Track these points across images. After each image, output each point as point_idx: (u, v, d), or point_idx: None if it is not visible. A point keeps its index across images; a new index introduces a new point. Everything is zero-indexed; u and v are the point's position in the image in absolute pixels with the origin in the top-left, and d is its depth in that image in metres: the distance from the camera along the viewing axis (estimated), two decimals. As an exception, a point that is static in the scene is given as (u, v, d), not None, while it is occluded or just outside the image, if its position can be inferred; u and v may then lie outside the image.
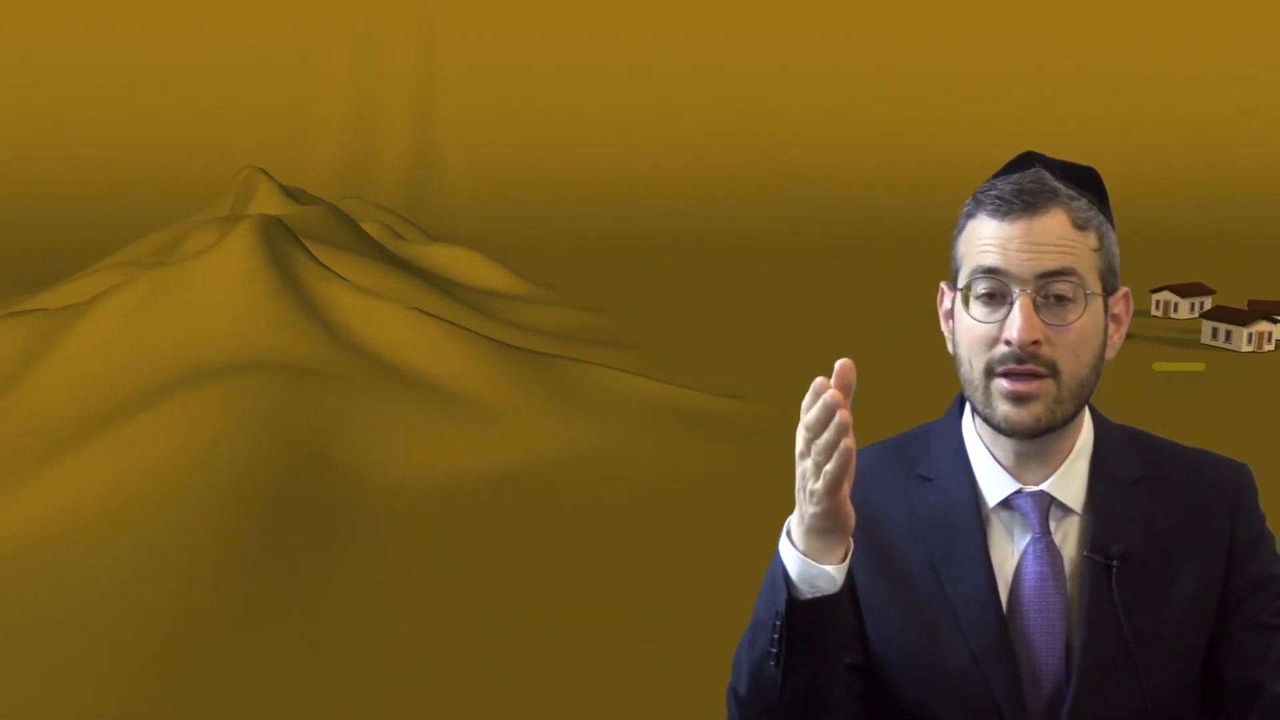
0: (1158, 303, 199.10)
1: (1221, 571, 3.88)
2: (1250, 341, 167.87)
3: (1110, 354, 3.78)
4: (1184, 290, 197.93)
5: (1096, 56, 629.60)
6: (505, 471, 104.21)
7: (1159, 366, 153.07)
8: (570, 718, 65.10)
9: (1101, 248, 3.69)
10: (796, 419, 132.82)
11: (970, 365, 3.69)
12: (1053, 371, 3.58)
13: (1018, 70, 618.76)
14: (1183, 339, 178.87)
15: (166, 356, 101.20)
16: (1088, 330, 3.63)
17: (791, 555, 3.51)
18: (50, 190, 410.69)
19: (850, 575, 3.98)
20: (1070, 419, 3.68)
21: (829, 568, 3.49)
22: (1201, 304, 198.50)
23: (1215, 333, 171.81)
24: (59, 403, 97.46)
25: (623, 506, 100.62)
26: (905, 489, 3.99)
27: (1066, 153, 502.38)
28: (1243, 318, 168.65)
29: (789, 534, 3.53)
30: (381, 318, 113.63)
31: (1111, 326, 3.79)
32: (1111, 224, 3.76)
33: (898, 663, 3.94)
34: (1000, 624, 3.78)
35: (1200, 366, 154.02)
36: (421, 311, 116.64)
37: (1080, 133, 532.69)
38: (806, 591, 3.51)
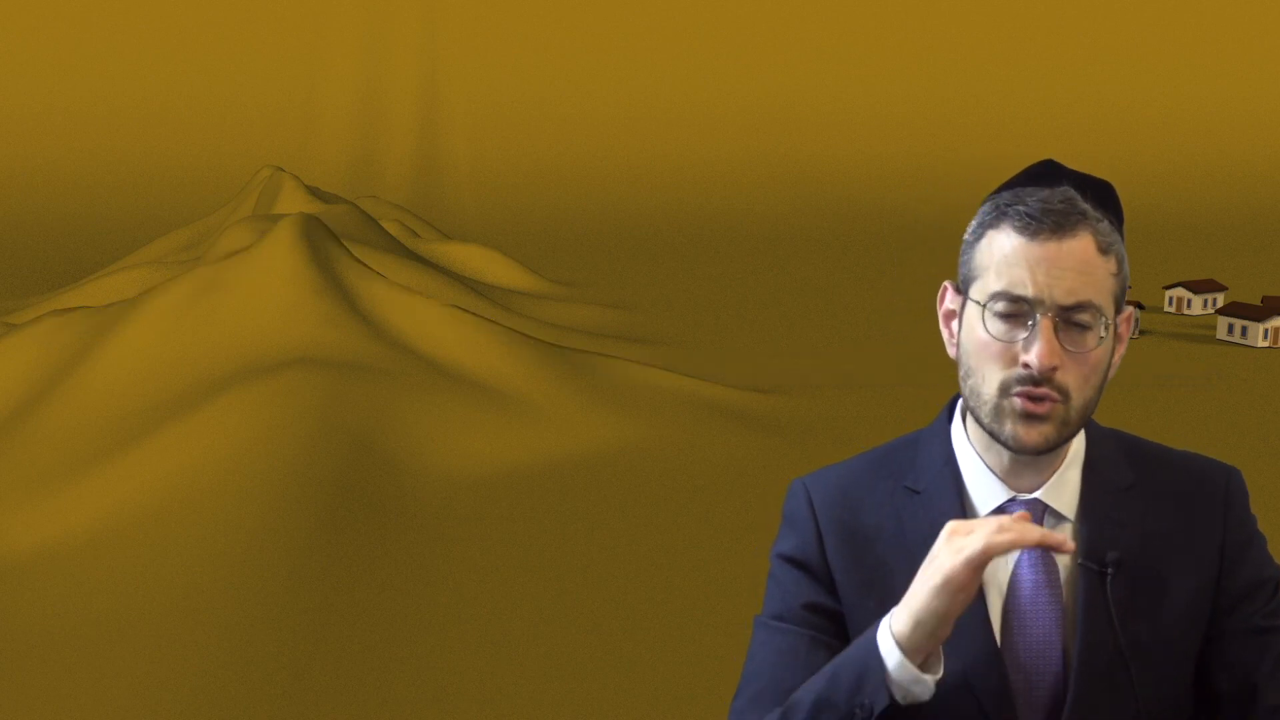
0: (1171, 299, 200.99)
1: (1214, 576, 3.92)
2: (1266, 337, 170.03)
3: (1112, 373, 3.83)
4: (1197, 286, 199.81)
5: (1105, 53, 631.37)
6: (546, 465, 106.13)
7: None
8: (607, 701, 67.04)
9: (1119, 272, 3.73)
10: (823, 412, 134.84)
11: (984, 379, 3.69)
12: (1064, 397, 3.62)
13: (1028, 67, 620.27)
14: (1197, 335, 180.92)
15: (217, 353, 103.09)
16: (1100, 359, 3.67)
17: (895, 658, 3.47)
18: (58, 189, 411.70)
19: (839, 602, 3.98)
20: (1072, 438, 3.75)
21: (929, 678, 3.48)
22: (1214, 300, 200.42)
23: (1231, 328, 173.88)
24: (113, 398, 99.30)
25: (660, 499, 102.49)
26: (893, 503, 3.98)
27: (1075, 149, 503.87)
28: (1258, 313, 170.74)
29: (891, 633, 3.48)
30: (421, 314, 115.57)
31: (1115, 345, 3.84)
32: (1123, 237, 3.85)
33: None
34: (989, 639, 3.79)
35: None
36: (459, 308, 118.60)
37: (1089, 129, 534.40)
38: (900, 696, 3.49)
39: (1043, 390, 3.57)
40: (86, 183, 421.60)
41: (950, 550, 3.35)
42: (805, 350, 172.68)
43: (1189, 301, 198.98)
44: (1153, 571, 3.83)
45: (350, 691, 68.63)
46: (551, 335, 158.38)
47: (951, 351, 3.85)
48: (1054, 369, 3.56)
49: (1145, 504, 3.89)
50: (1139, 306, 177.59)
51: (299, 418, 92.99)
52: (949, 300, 3.92)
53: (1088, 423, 4.00)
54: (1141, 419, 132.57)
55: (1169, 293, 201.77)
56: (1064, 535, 3.43)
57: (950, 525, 3.40)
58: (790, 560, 4.00)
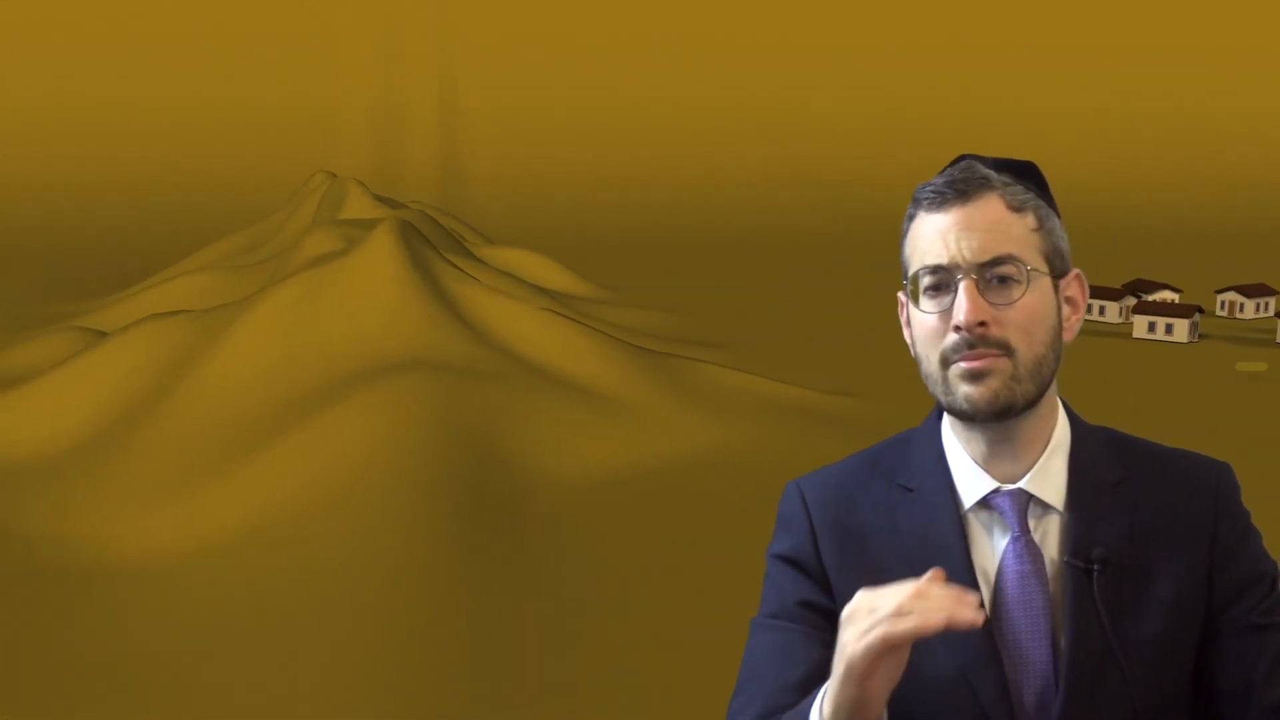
0: (1223, 303, 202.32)
1: (1205, 571, 3.84)
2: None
3: (1068, 336, 3.78)
4: (1249, 291, 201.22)
5: (1141, 54, 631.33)
6: (649, 466, 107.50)
7: (1242, 367, 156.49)
8: (709, 696, 68.40)
9: (1042, 228, 3.70)
10: (904, 414, 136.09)
11: (927, 359, 3.68)
12: (1005, 350, 3.58)
13: (1074, 69, 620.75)
14: (1255, 339, 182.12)
15: (328, 357, 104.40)
16: (1036, 309, 3.62)
17: None
18: (92, 194, 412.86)
19: (834, 601, 3.92)
20: (1032, 401, 3.66)
21: None
22: (1266, 304, 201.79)
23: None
24: (233, 402, 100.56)
25: (756, 500, 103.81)
26: (887, 501, 3.94)
27: (1110, 153, 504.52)
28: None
29: (821, 715, 3.36)
30: (517, 316, 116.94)
31: (1066, 309, 3.78)
32: (1054, 210, 3.80)
33: None
34: (986, 636, 3.74)
35: (1262, 366, 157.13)
36: (551, 310, 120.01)
37: (1124, 133, 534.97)
38: None
39: (979, 351, 3.55)
40: (108, 189, 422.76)
41: (855, 633, 3.17)
42: (868, 350, 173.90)
43: (1241, 305, 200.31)
44: (1142, 567, 3.77)
45: (493, 683, 69.91)
46: (626, 338, 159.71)
47: (912, 352, 3.83)
48: (983, 324, 3.54)
49: (1134, 499, 3.84)
50: (1199, 311, 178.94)
51: (421, 420, 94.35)
52: (904, 308, 3.93)
53: (1074, 417, 3.97)
54: (1211, 421, 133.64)
55: (1220, 296, 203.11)
56: (974, 613, 3.14)
57: (853, 603, 3.22)
58: (785, 560, 3.96)
